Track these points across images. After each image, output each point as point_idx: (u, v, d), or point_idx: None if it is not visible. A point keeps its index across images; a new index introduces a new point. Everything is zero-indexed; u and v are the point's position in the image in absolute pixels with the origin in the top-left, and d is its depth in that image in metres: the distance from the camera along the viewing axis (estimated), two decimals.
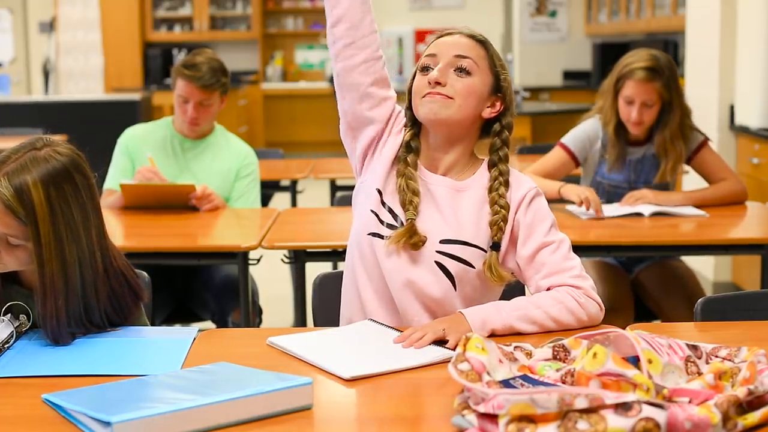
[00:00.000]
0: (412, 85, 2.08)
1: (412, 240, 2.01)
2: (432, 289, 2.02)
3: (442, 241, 2.02)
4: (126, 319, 1.96)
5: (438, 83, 2.02)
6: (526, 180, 2.09)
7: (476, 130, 2.10)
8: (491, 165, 2.08)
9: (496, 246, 2.02)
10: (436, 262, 2.02)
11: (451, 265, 2.02)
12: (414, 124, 2.11)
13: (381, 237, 2.04)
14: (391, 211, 2.06)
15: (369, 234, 2.06)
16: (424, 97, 2.03)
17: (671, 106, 3.34)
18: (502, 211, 2.02)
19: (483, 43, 2.07)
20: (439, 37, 2.10)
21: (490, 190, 2.05)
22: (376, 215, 2.06)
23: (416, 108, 2.06)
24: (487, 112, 2.07)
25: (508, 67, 2.12)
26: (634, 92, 3.30)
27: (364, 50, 2.07)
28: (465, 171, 2.10)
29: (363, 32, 2.07)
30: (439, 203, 2.06)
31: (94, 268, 1.86)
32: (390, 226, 2.04)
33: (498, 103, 2.08)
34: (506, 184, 2.05)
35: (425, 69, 2.06)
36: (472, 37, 2.06)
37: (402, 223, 2.03)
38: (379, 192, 2.08)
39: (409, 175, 2.06)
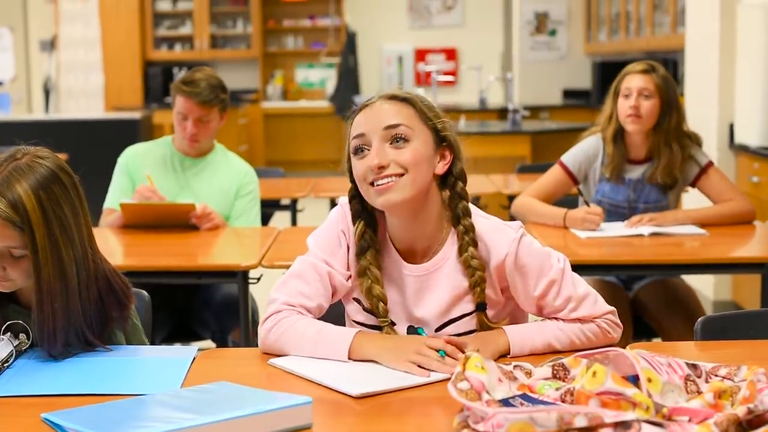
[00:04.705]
0: (351, 171, 1.92)
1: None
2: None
3: (437, 330, 1.95)
4: (108, 323, 1.94)
5: (381, 167, 1.85)
6: (500, 238, 1.92)
7: (435, 188, 1.93)
8: (455, 223, 1.93)
9: (481, 306, 1.92)
10: None
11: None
12: (363, 210, 1.95)
13: (365, 326, 1.98)
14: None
15: (354, 321, 2.02)
16: (372, 185, 1.86)
17: (671, 132, 3.38)
18: (477, 272, 1.90)
19: (407, 100, 1.90)
20: (360, 111, 1.91)
21: (460, 252, 1.92)
22: (358, 302, 2.00)
23: (367, 197, 1.90)
24: (440, 168, 1.92)
25: (441, 113, 1.94)
26: (631, 83, 3.39)
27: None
28: (437, 242, 1.96)
29: None
30: (421, 288, 1.95)
31: (86, 267, 1.88)
32: (369, 311, 1.97)
33: (447, 153, 1.93)
34: (474, 242, 1.90)
35: (358, 151, 1.89)
36: (394, 98, 1.89)
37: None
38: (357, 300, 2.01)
39: (373, 277, 1.93)
